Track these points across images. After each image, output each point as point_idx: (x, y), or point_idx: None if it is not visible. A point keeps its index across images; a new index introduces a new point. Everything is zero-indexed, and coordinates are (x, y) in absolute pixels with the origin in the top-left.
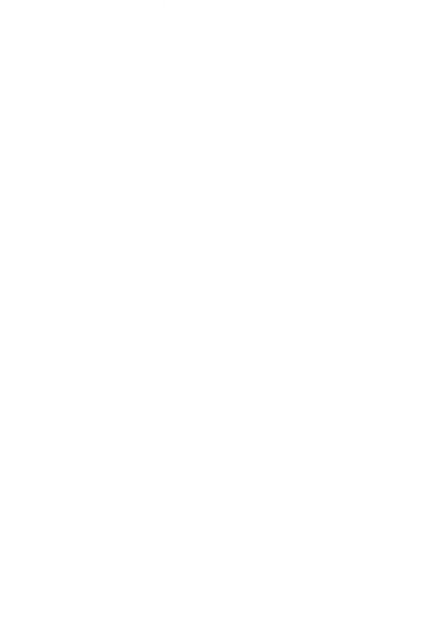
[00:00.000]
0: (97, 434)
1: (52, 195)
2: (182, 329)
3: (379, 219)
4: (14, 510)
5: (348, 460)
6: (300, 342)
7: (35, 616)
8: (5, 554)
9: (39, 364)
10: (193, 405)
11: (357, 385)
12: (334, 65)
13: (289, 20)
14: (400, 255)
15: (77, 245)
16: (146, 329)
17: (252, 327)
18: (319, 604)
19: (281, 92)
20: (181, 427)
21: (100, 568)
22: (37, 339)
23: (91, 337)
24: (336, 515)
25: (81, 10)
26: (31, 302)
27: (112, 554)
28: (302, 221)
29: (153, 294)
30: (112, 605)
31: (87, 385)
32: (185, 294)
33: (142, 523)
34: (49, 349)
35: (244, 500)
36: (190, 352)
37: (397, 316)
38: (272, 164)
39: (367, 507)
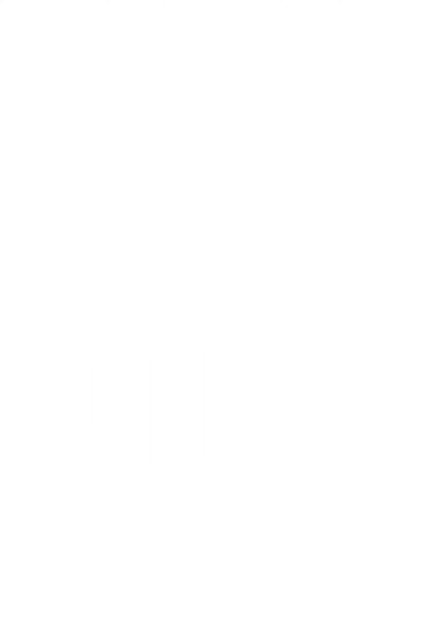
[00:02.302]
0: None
1: (52, 195)
2: (182, 330)
3: (379, 219)
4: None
5: (348, 465)
6: (299, 342)
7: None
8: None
9: (38, 366)
10: (193, 407)
11: (357, 387)
12: (333, 66)
13: (289, 21)
14: (400, 255)
15: (77, 246)
16: (145, 328)
17: (252, 329)
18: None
19: (280, 92)
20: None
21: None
22: (37, 340)
23: (91, 339)
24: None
25: (81, 10)
26: (31, 304)
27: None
28: (302, 222)
29: (153, 295)
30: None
31: (86, 387)
32: (186, 294)
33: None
34: (49, 349)
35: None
36: (189, 351)
37: (397, 316)
38: (272, 164)
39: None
